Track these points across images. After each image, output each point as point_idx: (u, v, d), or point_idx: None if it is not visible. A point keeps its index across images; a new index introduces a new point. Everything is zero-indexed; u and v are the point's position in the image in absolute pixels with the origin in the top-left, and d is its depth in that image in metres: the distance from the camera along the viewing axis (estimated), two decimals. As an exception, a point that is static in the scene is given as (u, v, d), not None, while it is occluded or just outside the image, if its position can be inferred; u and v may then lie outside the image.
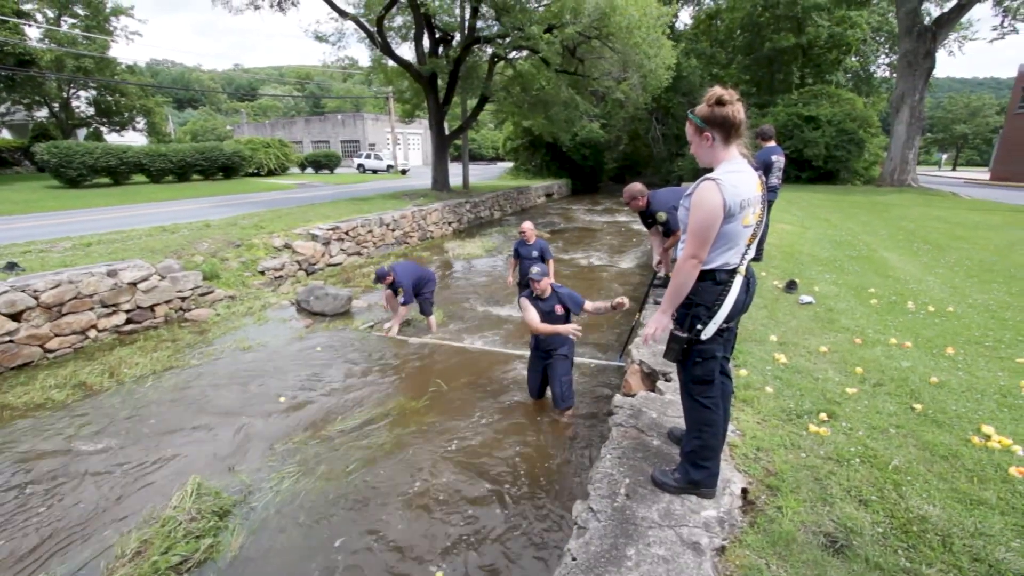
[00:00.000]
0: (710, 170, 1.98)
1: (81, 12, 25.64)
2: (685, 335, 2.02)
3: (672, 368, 3.59)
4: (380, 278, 6.30)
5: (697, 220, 1.89)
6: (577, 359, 4.81)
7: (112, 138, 28.58)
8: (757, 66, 28.72)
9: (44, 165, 17.34)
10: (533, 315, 4.18)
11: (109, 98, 28.25)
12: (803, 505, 2.20)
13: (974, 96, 54.82)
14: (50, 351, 5.76)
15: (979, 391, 3.19)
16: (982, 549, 1.93)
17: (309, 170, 31.57)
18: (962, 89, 67.24)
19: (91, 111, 28.45)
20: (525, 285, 7.14)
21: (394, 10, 15.76)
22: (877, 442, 2.64)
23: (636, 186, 4.90)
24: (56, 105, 26.33)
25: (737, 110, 1.88)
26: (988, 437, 2.65)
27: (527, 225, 6.58)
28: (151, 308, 6.82)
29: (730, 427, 2.69)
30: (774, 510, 2.18)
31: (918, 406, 2.99)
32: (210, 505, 3.27)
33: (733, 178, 1.88)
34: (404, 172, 32.89)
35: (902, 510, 2.15)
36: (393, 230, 12.49)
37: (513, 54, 16.77)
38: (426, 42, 16.14)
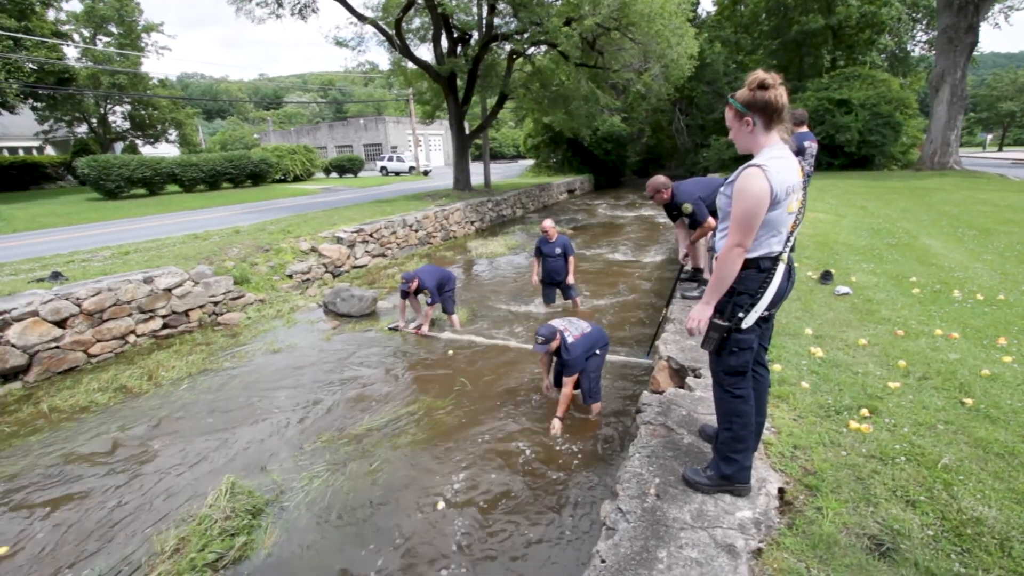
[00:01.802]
0: (742, 158, 1.92)
1: (115, 30, 26.77)
2: (726, 324, 1.98)
3: (702, 364, 3.49)
4: (406, 284, 6.28)
5: (742, 208, 1.84)
6: (603, 356, 4.73)
7: (146, 150, 29.80)
8: (784, 51, 27.78)
9: (85, 179, 18.16)
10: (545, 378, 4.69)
11: (143, 112, 29.45)
12: (845, 506, 2.09)
13: (1021, 72, 51.70)
14: (93, 356, 6.01)
15: (1036, 384, 2.99)
16: (1046, 554, 1.79)
17: (333, 175, 32.15)
18: (1008, 64, 63.41)
19: (127, 125, 29.70)
20: (548, 283, 7.13)
21: (412, 12, 15.86)
22: (924, 439, 2.50)
23: (659, 179, 4.80)
24: (94, 121, 27.58)
25: (780, 94, 1.84)
26: (1048, 433, 2.48)
27: (548, 223, 6.54)
28: (185, 313, 7.04)
29: (765, 424, 2.59)
30: (813, 511, 2.08)
31: (968, 400, 2.82)
32: (244, 504, 3.34)
33: (777, 164, 1.84)
34: (426, 173, 33.13)
35: (954, 511, 2.02)
36: (416, 231, 12.59)
37: (531, 50, 16.65)
38: (444, 42, 16.19)
